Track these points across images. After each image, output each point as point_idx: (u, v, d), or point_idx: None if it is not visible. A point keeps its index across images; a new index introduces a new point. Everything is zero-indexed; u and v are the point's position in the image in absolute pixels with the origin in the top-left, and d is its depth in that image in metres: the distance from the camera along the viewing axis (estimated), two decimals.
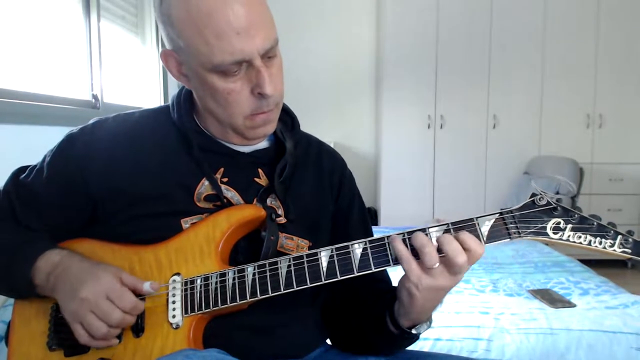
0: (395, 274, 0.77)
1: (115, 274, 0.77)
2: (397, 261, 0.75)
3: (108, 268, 0.78)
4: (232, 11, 0.73)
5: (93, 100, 2.33)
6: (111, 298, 0.75)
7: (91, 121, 0.91)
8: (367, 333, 0.88)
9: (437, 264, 0.70)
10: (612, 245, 0.73)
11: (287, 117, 0.96)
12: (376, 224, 3.96)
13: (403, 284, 0.75)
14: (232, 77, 0.77)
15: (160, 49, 0.86)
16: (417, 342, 1.34)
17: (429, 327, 0.82)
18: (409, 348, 1.34)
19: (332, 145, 1.03)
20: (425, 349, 1.33)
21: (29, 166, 0.91)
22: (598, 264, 2.82)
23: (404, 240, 0.73)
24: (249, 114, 0.81)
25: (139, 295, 0.78)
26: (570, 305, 1.60)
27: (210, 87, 0.79)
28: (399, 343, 0.84)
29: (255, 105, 0.80)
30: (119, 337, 0.79)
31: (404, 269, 0.73)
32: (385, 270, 0.96)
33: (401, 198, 3.90)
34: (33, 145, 1.27)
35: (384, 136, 3.94)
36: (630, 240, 0.73)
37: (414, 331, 0.80)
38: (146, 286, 0.77)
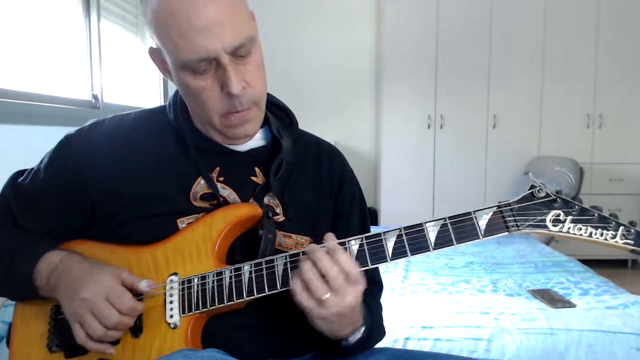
0: (389, 275, 0.75)
1: (115, 274, 0.77)
2: (394, 257, 0.74)
3: (108, 269, 0.78)
4: (194, 10, 0.73)
5: (93, 100, 2.33)
6: (110, 299, 0.75)
7: (88, 123, 0.92)
8: None
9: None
10: (614, 237, 0.70)
11: (285, 115, 0.96)
12: (376, 223, 3.96)
13: None
14: (203, 74, 0.77)
15: None
16: (417, 342, 1.36)
17: (362, 336, 0.80)
18: (409, 348, 1.34)
19: None
20: (426, 349, 1.33)
21: (26, 169, 0.91)
22: (598, 264, 2.82)
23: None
24: (223, 113, 0.81)
25: (138, 294, 0.78)
26: (570, 305, 1.59)
27: (184, 84, 0.80)
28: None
29: (228, 105, 0.80)
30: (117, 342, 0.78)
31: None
32: (377, 271, 0.96)
33: (401, 198, 3.89)
34: (33, 145, 1.27)
35: (384, 136, 3.93)
36: (632, 231, 0.70)
37: (343, 343, 0.79)
38: (142, 284, 0.77)
